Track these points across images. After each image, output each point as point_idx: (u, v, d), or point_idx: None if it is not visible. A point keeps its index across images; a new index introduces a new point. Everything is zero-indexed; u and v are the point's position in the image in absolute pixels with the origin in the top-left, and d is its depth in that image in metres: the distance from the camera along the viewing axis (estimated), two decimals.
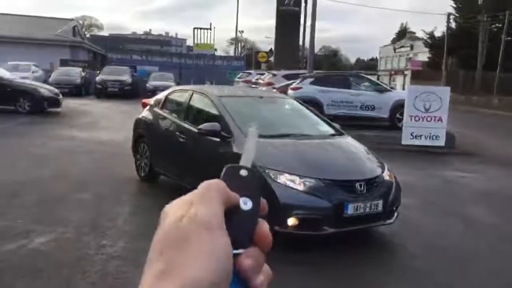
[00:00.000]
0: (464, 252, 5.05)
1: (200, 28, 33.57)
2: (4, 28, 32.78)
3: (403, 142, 11.44)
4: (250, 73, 27.56)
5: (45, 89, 15.72)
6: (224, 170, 0.50)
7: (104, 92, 23.77)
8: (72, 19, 43.80)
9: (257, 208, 0.49)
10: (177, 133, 6.33)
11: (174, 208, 0.47)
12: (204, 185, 0.48)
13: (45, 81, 21.25)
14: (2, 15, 36.69)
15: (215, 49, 41.59)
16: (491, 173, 9.48)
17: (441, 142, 11.45)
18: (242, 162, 0.51)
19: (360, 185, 4.84)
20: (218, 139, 5.51)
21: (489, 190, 7.96)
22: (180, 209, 0.47)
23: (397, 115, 13.25)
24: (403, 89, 36.90)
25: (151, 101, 7.75)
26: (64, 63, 29.32)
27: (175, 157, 6.40)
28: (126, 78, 24.81)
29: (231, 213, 0.47)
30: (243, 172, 0.50)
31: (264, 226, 0.49)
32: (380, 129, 12.90)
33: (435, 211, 6.50)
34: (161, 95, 7.59)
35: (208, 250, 0.43)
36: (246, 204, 0.48)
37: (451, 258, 4.85)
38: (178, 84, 20.31)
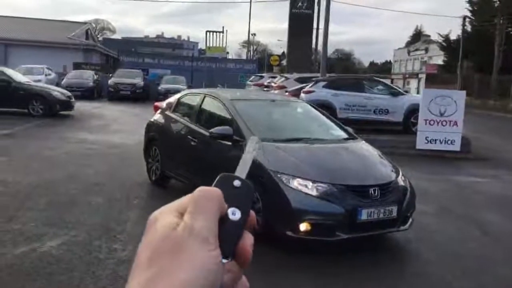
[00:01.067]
0: (479, 259, 4.94)
1: (213, 31, 33.65)
2: (18, 32, 33.21)
3: (418, 147, 11.31)
4: (262, 76, 27.55)
5: (58, 92, 15.85)
6: (218, 177, 0.50)
7: (116, 95, 23.89)
8: (85, 23, 44.29)
9: (245, 220, 0.49)
10: (189, 136, 6.31)
11: (165, 215, 0.46)
12: (201, 192, 0.47)
13: (58, 84, 21.45)
14: (16, 19, 37.21)
15: (227, 52, 41.74)
16: (507, 178, 9.32)
17: (457, 146, 11.29)
18: (237, 172, 0.51)
19: (374, 191, 4.76)
20: (230, 143, 5.47)
21: (506, 195, 7.82)
22: (172, 215, 0.46)
23: (412, 119, 13.11)
24: (418, 92, 36.61)
25: (163, 104, 7.75)
26: (77, 66, 29.59)
27: (187, 160, 6.37)
28: (138, 81, 24.95)
29: (219, 222, 0.47)
30: (237, 183, 0.50)
31: (247, 241, 0.48)
32: (394, 133, 12.77)
33: (451, 217, 6.39)
34: (173, 99, 7.57)
35: (201, 261, 0.43)
36: (234, 214, 0.48)
37: (466, 265, 4.76)
38: (190, 87, 20.35)
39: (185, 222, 0.45)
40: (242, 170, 0.51)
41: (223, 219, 0.47)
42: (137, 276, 0.44)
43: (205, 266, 0.43)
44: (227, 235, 0.47)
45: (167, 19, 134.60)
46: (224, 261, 0.46)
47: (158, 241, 0.44)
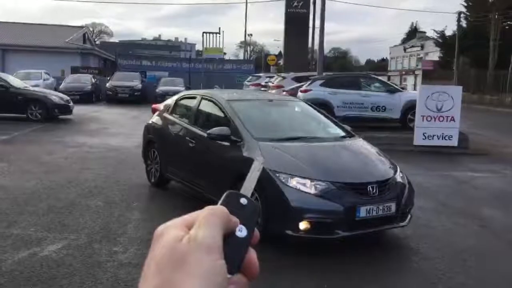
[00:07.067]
0: (478, 254, 4.95)
1: (209, 33, 33.63)
2: (15, 37, 33.21)
3: (415, 143, 11.33)
4: (259, 76, 27.57)
5: (56, 97, 15.86)
6: (225, 194, 0.53)
7: (114, 98, 23.92)
8: (82, 27, 44.28)
9: (251, 237, 0.51)
10: (187, 138, 6.32)
11: (171, 229, 0.48)
12: (208, 209, 0.50)
13: (56, 89, 21.43)
14: (13, 24, 37.17)
15: (225, 53, 41.69)
16: (505, 173, 9.34)
17: (454, 142, 11.32)
18: (242, 191, 0.53)
19: (372, 188, 4.78)
20: (227, 143, 5.48)
21: (504, 190, 7.84)
22: (178, 229, 0.48)
23: (409, 116, 13.12)
24: (414, 89, 36.63)
25: (161, 106, 7.75)
26: (74, 70, 29.56)
27: (185, 162, 6.38)
28: (136, 84, 24.95)
29: (226, 238, 0.49)
30: (243, 201, 0.52)
31: (253, 255, 0.51)
32: (391, 130, 12.78)
33: (449, 213, 6.40)
34: (170, 101, 7.58)
35: (205, 271, 0.44)
36: (241, 231, 0.50)
37: (466, 260, 4.76)
38: (187, 88, 20.35)
39: (189, 234, 0.47)
40: (248, 188, 0.54)
41: (230, 236, 0.49)
42: (144, 286, 0.45)
43: (210, 277, 0.44)
44: (233, 251, 0.49)
45: (165, 21, 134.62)
46: (229, 276, 0.47)
47: (163, 253, 0.45)
